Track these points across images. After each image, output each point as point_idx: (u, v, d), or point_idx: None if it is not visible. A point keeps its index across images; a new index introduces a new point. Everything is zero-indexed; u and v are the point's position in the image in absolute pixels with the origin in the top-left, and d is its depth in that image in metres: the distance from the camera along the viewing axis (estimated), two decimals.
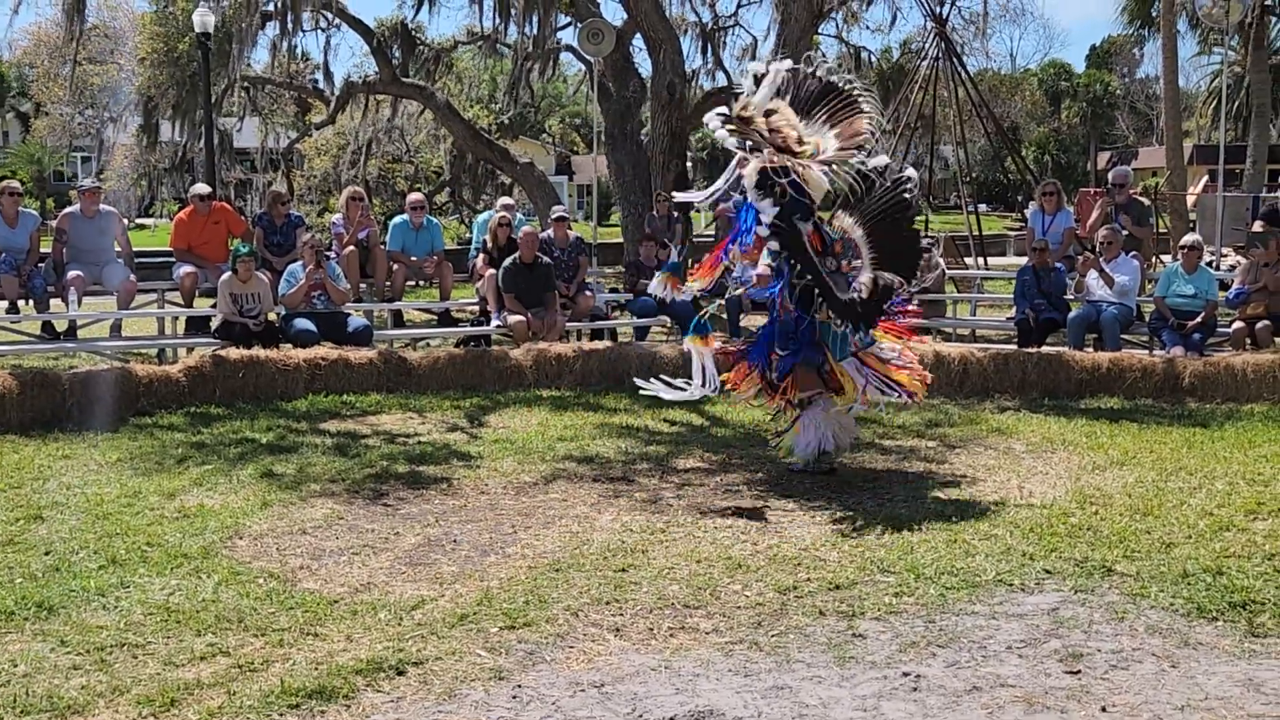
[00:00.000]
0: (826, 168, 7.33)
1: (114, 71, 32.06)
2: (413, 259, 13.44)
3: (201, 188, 13.60)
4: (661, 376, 7.87)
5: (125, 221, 13.52)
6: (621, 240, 19.45)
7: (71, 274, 11.80)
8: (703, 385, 7.56)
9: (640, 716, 4.16)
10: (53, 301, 12.15)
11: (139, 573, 5.66)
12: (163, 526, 6.46)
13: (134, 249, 13.27)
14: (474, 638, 4.87)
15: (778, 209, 7.18)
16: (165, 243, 14.53)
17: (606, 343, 11.92)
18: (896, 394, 7.56)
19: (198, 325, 12.39)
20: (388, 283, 13.24)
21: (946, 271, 14.74)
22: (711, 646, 4.79)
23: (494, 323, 12.33)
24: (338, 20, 22.78)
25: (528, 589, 5.46)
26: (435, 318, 14.18)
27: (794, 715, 4.15)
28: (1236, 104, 42.93)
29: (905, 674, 4.49)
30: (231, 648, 4.74)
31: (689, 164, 26.19)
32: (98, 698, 4.29)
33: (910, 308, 7.94)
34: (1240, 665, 4.54)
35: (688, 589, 5.46)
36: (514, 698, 4.32)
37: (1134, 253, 12.27)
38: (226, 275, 11.41)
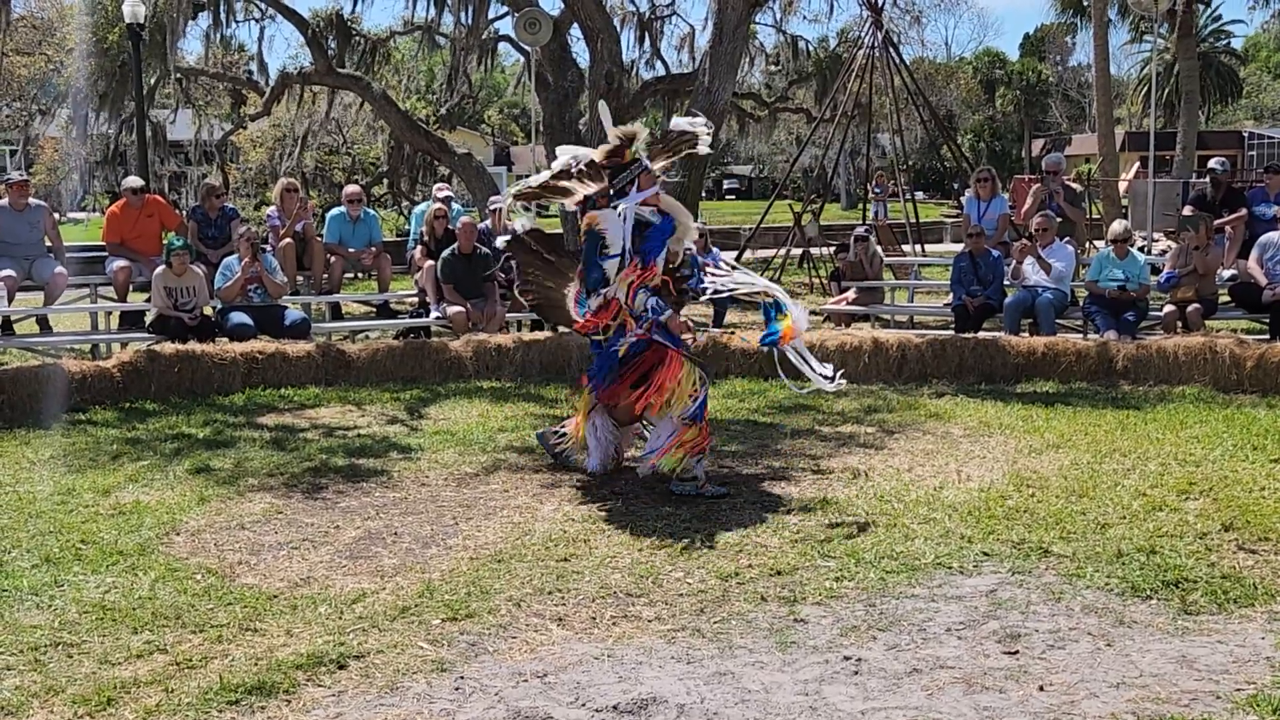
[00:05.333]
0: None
1: (42, 63, 31.51)
2: (350, 251, 13.36)
3: (134, 181, 13.42)
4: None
5: (55, 215, 13.31)
6: (561, 230, 19.40)
7: (3, 273, 11.60)
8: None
9: (583, 705, 4.16)
10: None
11: (74, 571, 5.59)
12: (98, 524, 6.37)
13: (65, 243, 13.08)
14: (415, 630, 4.85)
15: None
16: (98, 237, 14.33)
17: (546, 333, 11.89)
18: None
19: (132, 320, 12.24)
20: (325, 275, 13.15)
21: (884, 258, 14.85)
22: (654, 634, 4.80)
23: (433, 314, 12.27)
24: (272, 11, 22.54)
25: (469, 580, 5.44)
26: (374, 310, 14.09)
27: (736, 701, 4.17)
28: (1166, 91, 43.65)
29: (846, 658, 4.52)
30: (169, 645, 4.68)
31: None
32: (32, 698, 4.22)
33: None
34: (1174, 643, 4.62)
35: (630, 577, 5.47)
36: (456, 689, 4.30)
37: (1068, 238, 12.43)
38: (161, 269, 11.27)
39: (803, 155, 26.03)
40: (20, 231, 12.09)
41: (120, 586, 5.38)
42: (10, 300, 11.73)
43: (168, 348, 10.41)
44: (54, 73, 30.01)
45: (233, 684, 4.29)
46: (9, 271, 11.67)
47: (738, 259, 21.43)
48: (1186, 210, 13.49)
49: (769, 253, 22.28)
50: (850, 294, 13.69)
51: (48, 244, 12.39)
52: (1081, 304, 11.99)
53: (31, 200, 12.47)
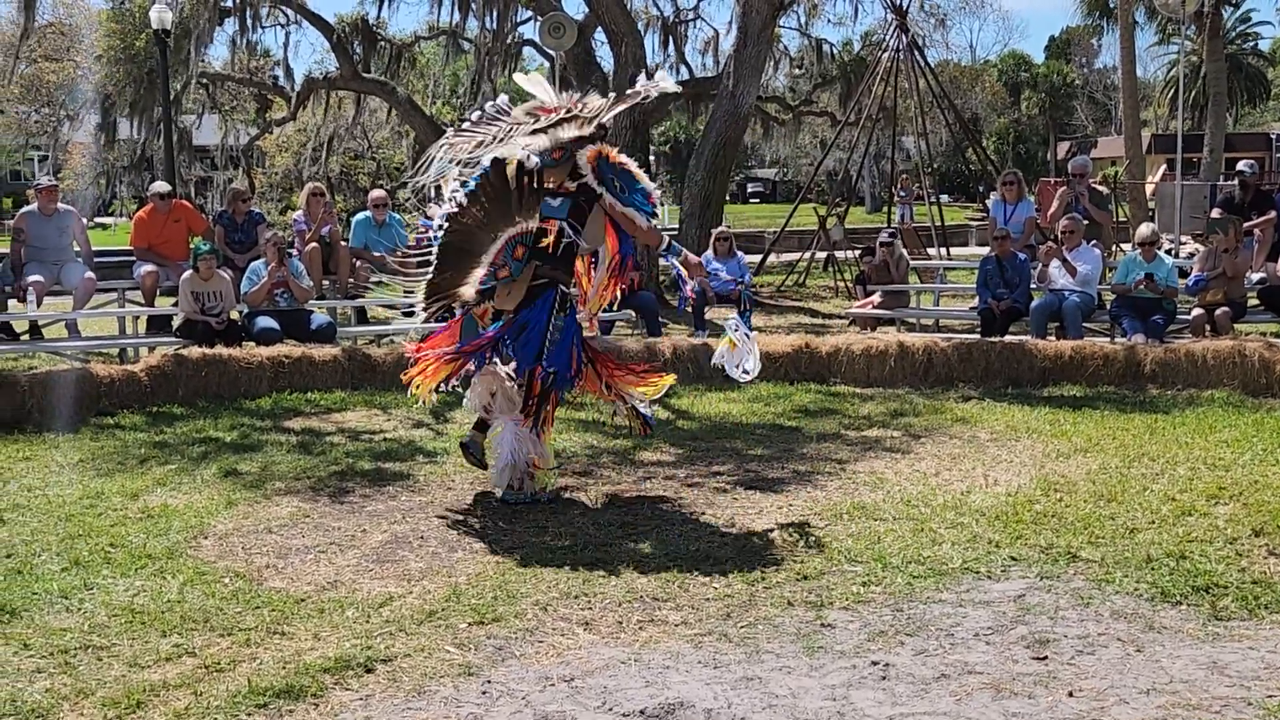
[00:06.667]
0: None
1: (70, 69, 31.76)
2: (376, 255, 13.39)
3: (161, 186, 13.49)
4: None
5: (84, 220, 13.41)
6: None
7: (32, 278, 11.69)
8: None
9: (610, 710, 4.16)
10: (10, 302, 12.05)
11: (103, 574, 5.61)
12: (126, 527, 6.40)
13: (93, 248, 13.16)
14: (443, 634, 4.85)
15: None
16: (125, 242, 14.43)
17: None
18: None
19: (159, 324, 12.29)
20: (351, 279, 13.18)
21: (910, 262, 14.81)
22: (681, 638, 4.79)
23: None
24: (297, 16, 22.67)
25: (496, 584, 5.44)
26: (399, 314, 14.11)
27: (764, 706, 4.16)
28: (1194, 93, 43.42)
29: (874, 663, 4.50)
30: (198, 648, 4.70)
31: (651, 157, 26.19)
32: (62, 701, 4.25)
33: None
34: (1204, 648, 4.58)
35: (656, 582, 5.46)
36: (483, 693, 4.30)
37: (1094, 241, 12.37)
38: (188, 273, 11.33)
39: (827, 159, 26.01)
40: (49, 236, 12.17)
41: (149, 590, 5.40)
42: (39, 305, 11.82)
43: (195, 352, 10.46)
44: (82, 79, 30.23)
45: (261, 687, 4.30)
46: (38, 276, 11.75)
47: (762, 263, 21.45)
48: (1214, 213, 13.40)
49: (793, 256, 22.26)
50: (875, 298, 13.65)
51: (76, 249, 12.47)
52: (1109, 307, 11.93)
53: (60, 205, 12.56)
